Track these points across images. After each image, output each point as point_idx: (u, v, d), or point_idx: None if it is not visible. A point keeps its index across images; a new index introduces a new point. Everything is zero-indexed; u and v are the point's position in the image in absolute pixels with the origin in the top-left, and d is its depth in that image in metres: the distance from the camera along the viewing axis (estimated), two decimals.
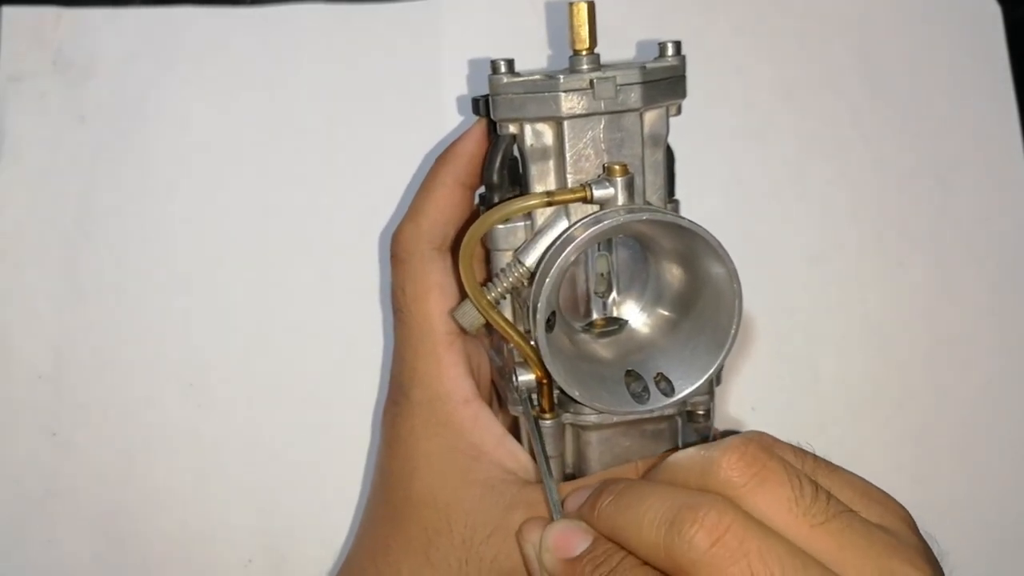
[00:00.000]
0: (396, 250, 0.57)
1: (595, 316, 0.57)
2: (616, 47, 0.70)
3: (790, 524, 0.41)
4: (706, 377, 0.52)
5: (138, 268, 0.71)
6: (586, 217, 0.50)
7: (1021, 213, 0.76)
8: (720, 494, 0.42)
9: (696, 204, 0.59)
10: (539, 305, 0.49)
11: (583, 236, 0.48)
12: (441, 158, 0.58)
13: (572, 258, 0.49)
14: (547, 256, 0.50)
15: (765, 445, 0.43)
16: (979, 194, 0.76)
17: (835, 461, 0.69)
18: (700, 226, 0.49)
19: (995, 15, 0.78)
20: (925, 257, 0.75)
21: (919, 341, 0.74)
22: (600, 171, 0.51)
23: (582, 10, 0.52)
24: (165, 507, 0.69)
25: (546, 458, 0.52)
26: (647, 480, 0.47)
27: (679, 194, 0.58)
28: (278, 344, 0.71)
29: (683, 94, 0.54)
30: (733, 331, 0.51)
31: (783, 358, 0.73)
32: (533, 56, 0.73)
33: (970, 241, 0.75)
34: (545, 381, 0.53)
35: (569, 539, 0.46)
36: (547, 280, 0.49)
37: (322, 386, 0.70)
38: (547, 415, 0.54)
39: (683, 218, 0.49)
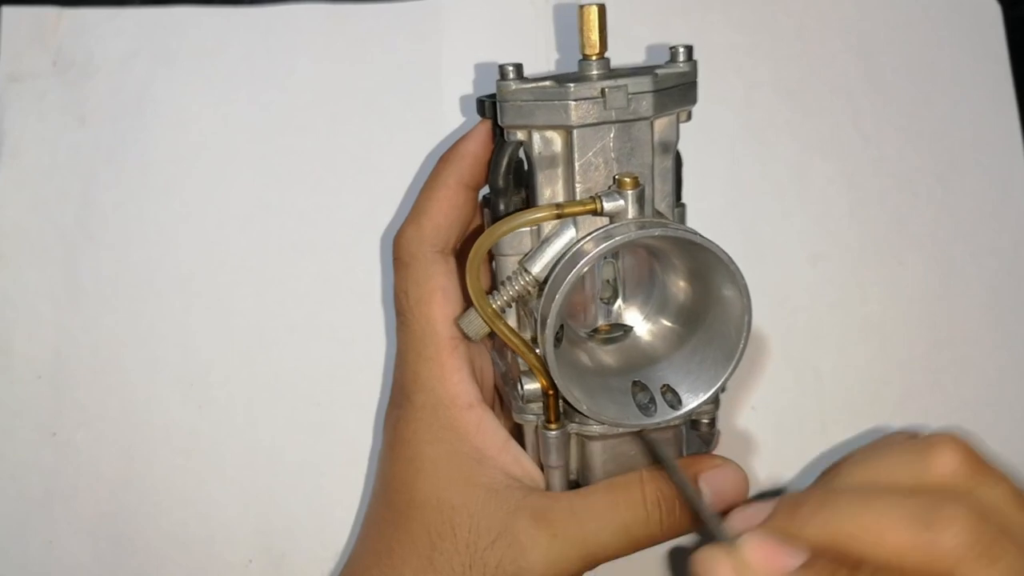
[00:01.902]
0: (398, 253, 0.57)
1: (600, 322, 0.56)
2: (616, 47, 0.70)
3: (1011, 518, 0.41)
4: (713, 391, 0.52)
5: (138, 268, 0.71)
6: (596, 231, 0.50)
7: (1021, 213, 0.76)
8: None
9: (696, 204, 0.60)
10: (549, 322, 0.49)
11: (593, 252, 0.48)
12: (444, 158, 0.58)
13: (582, 273, 0.49)
14: (556, 272, 0.50)
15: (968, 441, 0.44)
16: (979, 194, 0.76)
17: (835, 461, 0.69)
18: (712, 242, 0.49)
19: (995, 15, 0.78)
20: (925, 257, 0.75)
21: (919, 341, 0.74)
22: (609, 181, 0.51)
23: (592, 13, 0.51)
24: (165, 507, 0.69)
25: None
26: (843, 487, 0.45)
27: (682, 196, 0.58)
28: (279, 345, 0.70)
29: (694, 100, 0.54)
30: (742, 346, 0.51)
31: (783, 357, 0.73)
32: (533, 56, 0.73)
33: (970, 241, 0.75)
34: (551, 392, 0.53)
35: (775, 552, 0.42)
36: (556, 297, 0.48)
37: (323, 387, 0.70)
38: (552, 425, 0.54)
39: (696, 234, 0.49)
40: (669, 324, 0.55)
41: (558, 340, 0.52)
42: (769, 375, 0.73)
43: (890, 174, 0.76)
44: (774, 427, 0.72)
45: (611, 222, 0.50)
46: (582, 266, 0.48)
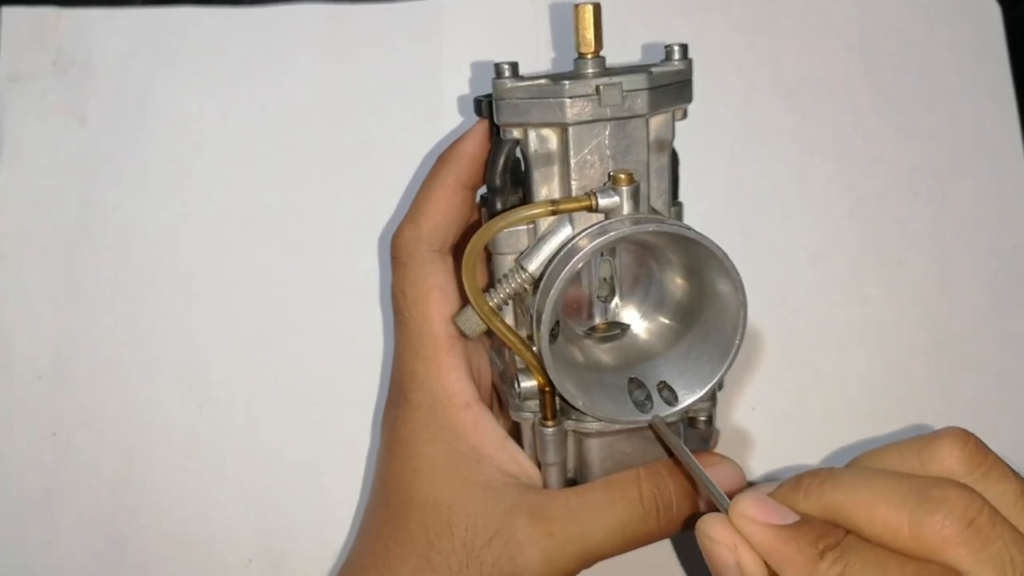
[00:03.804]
0: (396, 252, 0.57)
1: (597, 320, 0.56)
2: (615, 45, 0.70)
3: (1014, 517, 0.41)
4: (709, 387, 0.52)
5: (138, 268, 0.71)
6: (591, 227, 0.50)
7: (1021, 213, 0.76)
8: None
9: (696, 204, 0.60)
10: (544, 317, 0.49)
11: (587, 248, 0.48)
12: (442, 158, 0.58)
13: (577, 268, 0.49)
14: (551, 267, 0.50)
15: (975, 437, 0.44)
16: (979, 194, 0.76)
17: (835, 461, 0.69)
18: (706, 237, 0.49)
19: (995, 15, 0.78)
20: (925, 257, 0.75)
21: (919, 341, 0.74)
22: (605, 178, 0.51)
23: (588, 12, 0.51)
24: (165, 507, 0.69)
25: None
26: (857, 467, 0.46)
27: (680, 193, 0.58)
28: (278, 345, 0.71)
29: (689, 98, 0.54)
30: (738, 341, 0.51)
31: (783, 357, 0.73)
32: (534, 56, 0.73)
33: (970, 241, 0.75)
34: (548, 389, 0.53)
35: (769, 510, 0.43)
36: (552, 292, 0.49)
37: (322, 386, 0.70)
38: (549, 423, 0.54)
39: (690, 229, 0.49)
40: (666, 321, 0.56)
41: (554, 336, 0.52)
42: (769, 375, 0.73)
43: (890, 174, 0.75)
44: (774, 427, 0.72)
45: (606, 219, 0.50)
46: (576, 262, 0.48)
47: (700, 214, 0.59)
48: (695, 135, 0.61)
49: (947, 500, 0.40)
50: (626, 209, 0.49)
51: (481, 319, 0.52)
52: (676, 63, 0.53)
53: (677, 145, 0.56)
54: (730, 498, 0.45)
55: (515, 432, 0.58)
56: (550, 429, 0.54)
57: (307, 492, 0.70)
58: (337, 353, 0.71)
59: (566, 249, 0.50)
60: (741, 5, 0.76)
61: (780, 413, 0.72)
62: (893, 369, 0.74)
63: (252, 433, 0.70)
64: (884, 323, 0.74)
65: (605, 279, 0.56)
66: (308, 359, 0.70)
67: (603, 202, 0.49)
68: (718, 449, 0.60)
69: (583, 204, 0.50)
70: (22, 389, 0.69)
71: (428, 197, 0.57)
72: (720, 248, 0.49)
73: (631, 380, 0.54)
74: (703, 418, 0.56)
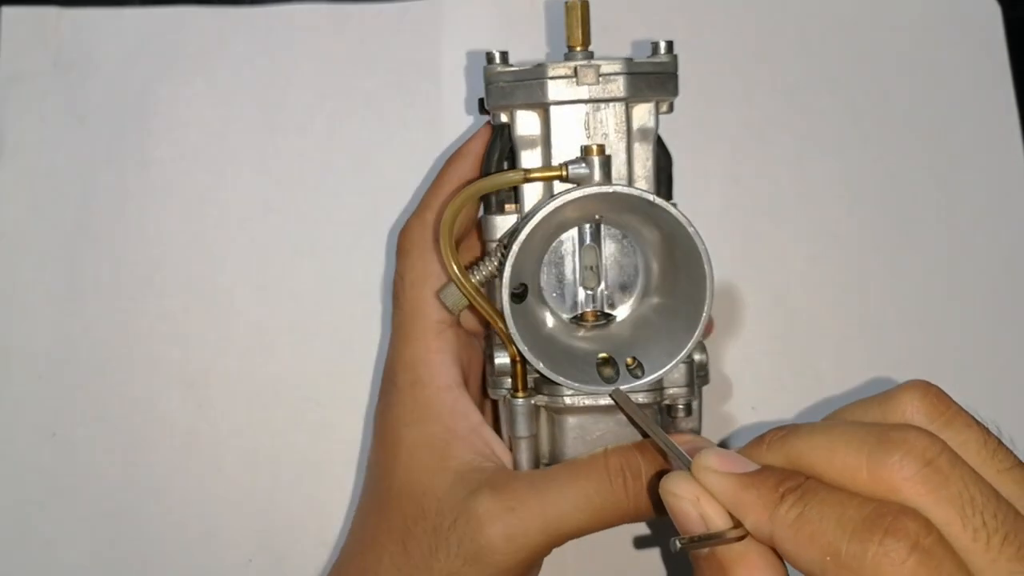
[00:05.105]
0: (401, 242, 0.58)
1: (582, 309, 0.57)
2: (615, 45, 0.71)
3: (978, 466, 0.41)
4: (677, 360, 0.52)
5: (138, 268, 0.71)
6: (558, 194, 0.51)
7: (1021, 213, 0.76)
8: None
9: (696, 204, 0.59)
10: (505, 273, 0.50)
11: (548, 207, 0.50)
12: (449, 159, 0.59)
13: (535, 224, 0.50)
14: (515, 230, 0.52)
15: (937, 388, 0.44)
16: (979, 194, 0.76)
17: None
18: (670, 204, 0.50)
19: (995, 15, 0.78)
20: (925, 256, 0.75)
21: (919, 341, 0.74)
22: None
23: (576, 8, 0.54)
24: (165, 507, 0.69)
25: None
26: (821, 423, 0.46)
27: (680, 193, 0.58)
28: (278, 345, 0.71)
29: (674, 92, 0.55)
30: (704, 314, 0.51)
31: (783, 357, 0.73)
32: (533, 56, 0.73)
33: (970, 241, 0.75)
34: (518, 360, 0.54)
35: (729, 460, 0.43)
36: (513, 248, 0.50)
37: (322, 386, 0.70)
38: (519, 394, 0.54)
39: (651, 193, 0.51)
40: (646, 306, 0.56)
41: (521, 298, 0.53)
42: (769, 375, 0.72)
43: (890, 174, 0.75)
44: (774, 427, 0.72)
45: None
46: (536, 219, 0.50)
47: (700, 214, 0.59)
48: (695, 135, 0.61)
49: (906, 441, 0.40)
50: (597, 179, 0.51)
51: (456, 285, 0.53)
52: (661, 56, 0.55)
53: (676, 143, 0.56)
54: None
55: (496, 425, 0.58)
56: (520, 400, 0.54)
57: (307, 492, 0.70)
58: (337, 353, 0.71)
59: (529, 211, 0.52)
60: (741, 4, 0.76)
61: (780, 413, 0.72)
62: (893, 369, 0.74)
63: (252, 433, 0.70)
64: (884, 323, 0.74)
65: (591, 268, 0.56)
66: (308, 359, 0.71)
67: (574, 171, 0.51)
68: None
69: (554, 173, 0.51)
70: (22, 389, 0.70)
71: (435, 193, 0.58)
72: (684, 216, 0.50)
73: (603, 359, 0.54)
74: (681, 405, 0.56)
